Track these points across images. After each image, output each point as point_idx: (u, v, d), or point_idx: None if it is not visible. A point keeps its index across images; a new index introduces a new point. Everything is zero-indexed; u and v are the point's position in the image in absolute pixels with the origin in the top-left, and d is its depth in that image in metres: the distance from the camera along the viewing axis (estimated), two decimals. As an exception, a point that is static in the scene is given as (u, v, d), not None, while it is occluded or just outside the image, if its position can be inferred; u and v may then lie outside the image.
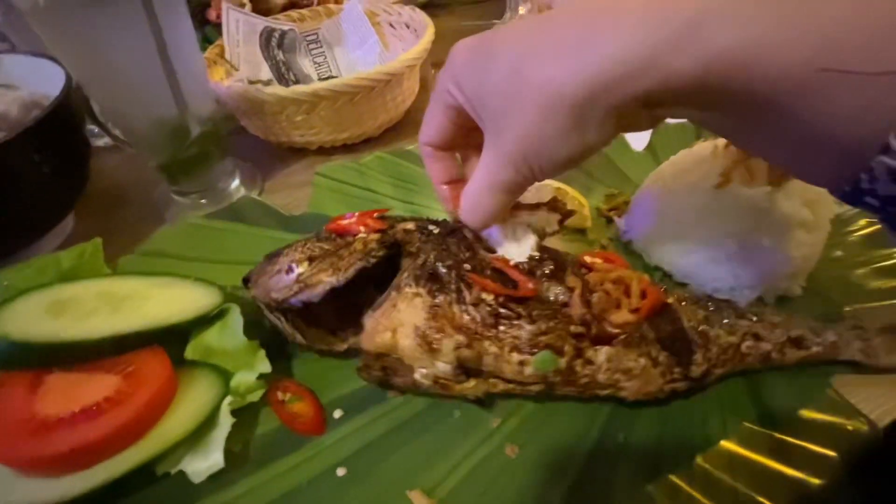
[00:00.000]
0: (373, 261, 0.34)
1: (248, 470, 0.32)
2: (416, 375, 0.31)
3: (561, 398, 0.34)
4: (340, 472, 0.31)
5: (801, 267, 0.39)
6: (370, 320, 0.32)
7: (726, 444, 0.31)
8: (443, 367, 0.31)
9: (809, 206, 0.38)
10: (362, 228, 0.37)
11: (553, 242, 0.48)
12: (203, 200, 0.56)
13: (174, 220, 0.55)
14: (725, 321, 0.35)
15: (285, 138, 0.62)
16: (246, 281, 0.37)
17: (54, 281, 0.36)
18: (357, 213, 0.39)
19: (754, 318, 0.35)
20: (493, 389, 0.32)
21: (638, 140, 0.57)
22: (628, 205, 0.50)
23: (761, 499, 0.28)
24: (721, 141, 0.41)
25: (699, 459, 0.31)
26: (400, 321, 0.31)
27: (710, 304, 0.36)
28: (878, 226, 0.44)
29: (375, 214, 0.39)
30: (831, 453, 0.29)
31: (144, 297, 0.35)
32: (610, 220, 0.50)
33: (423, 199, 0.51)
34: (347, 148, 0.66)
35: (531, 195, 0.50)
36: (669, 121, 0.57)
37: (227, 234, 0.44)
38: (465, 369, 0.31)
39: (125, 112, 0.47)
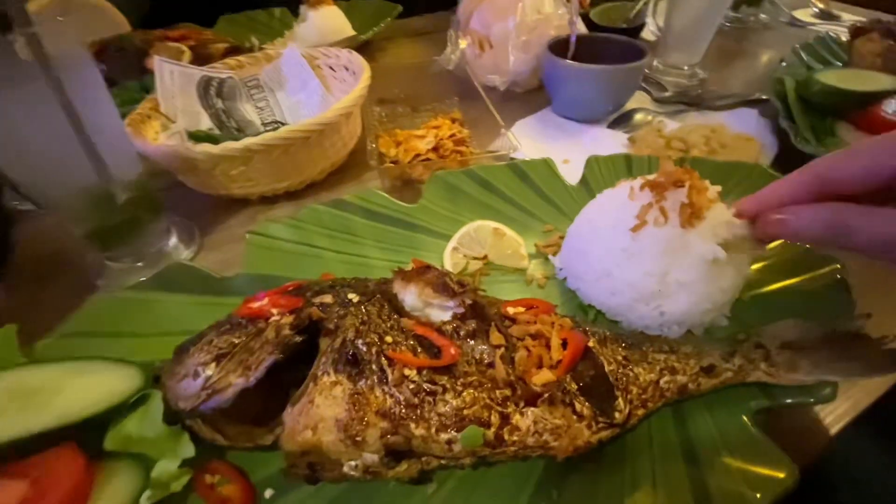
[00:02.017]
0: (287, 351, 0.33)
1: (172, 566, 0.30)
2: (345, 469, 0.31)
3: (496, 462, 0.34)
4: (270, 558, 0.30)
5: (721, 300, 0.41)
6: (289, 418, 0.31)
7: (654, 492, 0.32)
8: (370, 457, 0.30)
9: (723, 245, 0.39)
10: (274, 311, 0.36)
11: (492, 282, 0.49)
12: (139, 263, 0.55)
13: (108, 288, 0.53)
14: (643, 357, 0.36)
15: (224, 191, 0.61)
16: (156, 379, 0.35)
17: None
18: (268, 294, 0.37)
19: (669, 350, 0.37)
20: (426, 467, 0.32)
21: (571, 174, 0.58)
22: (563, 241, 0.51)
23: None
24: (637, 182, 0.43)
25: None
26: (320, 416, 0.30)
27: (628, 340, 0.37)
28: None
29: (289, 288, 0.38)
30: (752, 495, 0.30)
31: (57, 388, 0.34)
32: (546, 259, 0.51)
33: (361, 250, 0.51)
34: (290, 195, 0.66)
35: (472, 235, 0.51)
36: (600, 153, 0.59)
37: (155, 304, 0.43)
38: (395, 453, 0.31)
39: (45, 185, 0.46)
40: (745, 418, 0.35)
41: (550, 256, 0.50)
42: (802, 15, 1.24)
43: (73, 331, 0.40)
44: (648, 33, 1.03)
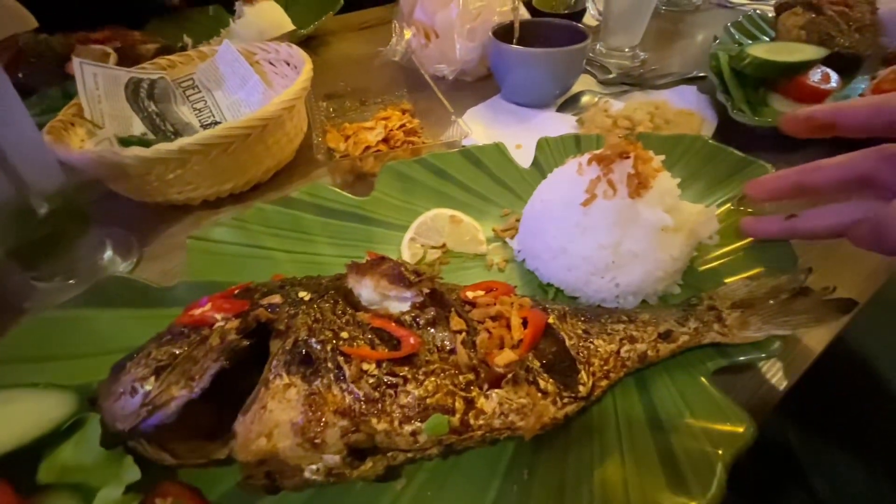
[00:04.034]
0: (233, 357, 0.31)
1: None
2: (307, 474, 0.29)
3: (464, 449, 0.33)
4: (232, 577, 0.29)
5: (673, 267, 0.42)
6: (241, 427, 0.29)
7: (622, 460, 0.32)
8: (331, 458, 0.29)
9: (669, 211, 0.40)
10: (219, 316, 0.33)
11: (452, 269, 0.48)
12: (71, 281, 0.51)
13: (35, 311, 0.49)
14: (603, 328, 0.36)
15: (161, 198, 0.57)
16: (93, 402, 0.32)
17: None
18: (210, 298, 0.35)
19: (627, 320, 0.37)
20: (393, 462, 0.30)
21: (524, 158, 0.58)
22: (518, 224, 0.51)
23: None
24: (584, 157, 0.43)
25: (597, 479, 0.31)
26: (274, 422, 0.28)
27: (587, 314, 0.38)
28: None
29: (235, 291, 0.36)
30: (715, 452, 0.31)
31: (-22, 421, 0.30)
32: (504, 243, 0.51)
33: (313, 248, 0.49)
34: (235, 198, 0.63)
35: (428, 224, 0.50)
36: (550, 134, 0.60)
37: (89, 322, 0.40)
38: (358, 451, 0.30)
39: (-52, 202, 0.42)
40: (703, 379, 0.36)
41: (508, 240, 0.50)
42: (731, -4, 1.30)
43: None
44: (590, 18, 1.04)
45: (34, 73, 0.84)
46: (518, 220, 0.51)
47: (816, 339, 0.42)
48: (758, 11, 0.98)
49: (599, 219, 0.40)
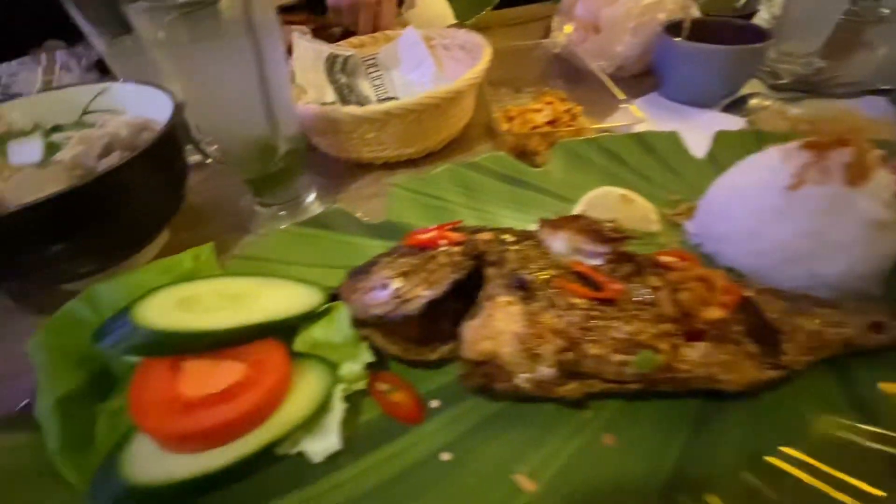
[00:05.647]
0: (464, 272, 0.36)
1: (358, 453, 0.34)
2: (518, 381, 0.33)
3: (651, 395, 0.35)
4: (445, 456, 0.33)
5: (878, 266, 0.40)
6: (468, 330, 0.34)
7: (823, 432, 0.32)
8: (546, 371, 0.32)
9: (888, 205, 0.38)
10: (443, 241, 0.39)
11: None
12: (282, 213, 0.61)
13: (258, 231, 0.59)
14: (805, 311, 0.36)
15: (355, 154, 0.66)
16: (334, 297, 0.40)
17: (177, 280, 0.40)
18: (434, 228, 0.41)
19: (831, 306, 0.36)
20: (591, 390, 0.33)
21: (698, 147, 0.58)
22: (693, 210, 0.52)
23: (862, 483, 0.29)
24: (792, 145, 0.42)
25: (796, 447, 0.31)
26: (499, 330, 0.33)
27: (785, 293, 0.37)
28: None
29: (448, 227, 0.41)
30: None
31: (256, 295, 0.39)
32: (676, 225, 0.51)
33: (491, 207, 0.54)
34: (410, 162, 0.70)
35: (598, 201, 0.53)
36: (729, 128, 0.59)
37: (316, 240, 0.48)
38: (565, 372, 0.33)
39: (225, 132, 0.52)
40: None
41: (684, 222, 0.51)
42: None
43: (253, 255, 0.46)
44: (760, 21, 0.99)
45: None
46: (690, 209, 0.52)
47: None
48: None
49: (803, 205, 0.40)
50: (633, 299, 0.35)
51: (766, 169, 0.43)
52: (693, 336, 0.33)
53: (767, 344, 0.34)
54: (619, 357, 0.32)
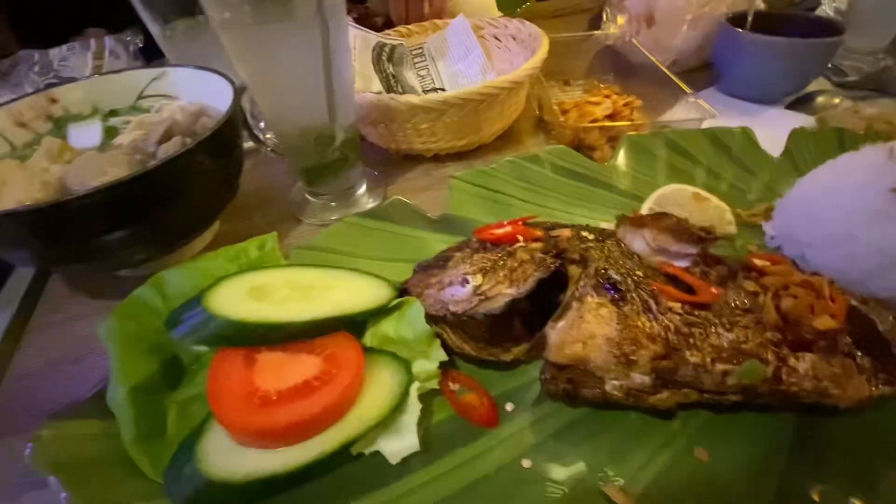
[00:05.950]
0: (548, 271, 0.34)
1: (434, 455, 0.33)
2: (607, 387, 0.31)
3: (743, 407, 0.33)
4: (526, 463, 0.32)
5: None
6: (555, 332, 0.32)
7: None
8: (640, 378, 0.30)
9: None
10: (520, 237, 0.37)
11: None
12: (333, 203, 0.60)
13: (309, 220, 0.58)
14: None
15: (406, 145, 0.65)
16: (404, 292, 0.38)
17: (243, 268, 0.39)
18: (507, 223, 0.40)
19: None
20: (685, 400, 0.31)
21: (773, 146, 0.55)
22: (770, 211, 0.49)
23: None
24: (894, 143, 0.39)
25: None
26: (590, 333, 0.31)
27: (890, 302, 0.35)
28: None
29: (521, 222, 0.40)
30: None
31: (327, 286, 0.37)
32: (753, 227, 0.49)
33: (553, 203, 0.52)
34: (458, 155, 0.68)
35: (668, 198, 0.50)
36: (808, 126, 0.56)
37: (379, 232, 0.47)
38: (660, 380, 0.31)
39: (285, 118, 0.51)
40: None
41: (763, 223, 0.48)
42: None
43: (317, 245, 0.45)
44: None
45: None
46: (768, 209, 0.49)
47: None
48: None
49: (912, 208, 0.37)
50: (732, 305, 0.32)
51: (865, 168, 0.40)
52: (800, 346, 0.31)
53: (879, 357, 0.31)
54: (720, 366, 0.30)
